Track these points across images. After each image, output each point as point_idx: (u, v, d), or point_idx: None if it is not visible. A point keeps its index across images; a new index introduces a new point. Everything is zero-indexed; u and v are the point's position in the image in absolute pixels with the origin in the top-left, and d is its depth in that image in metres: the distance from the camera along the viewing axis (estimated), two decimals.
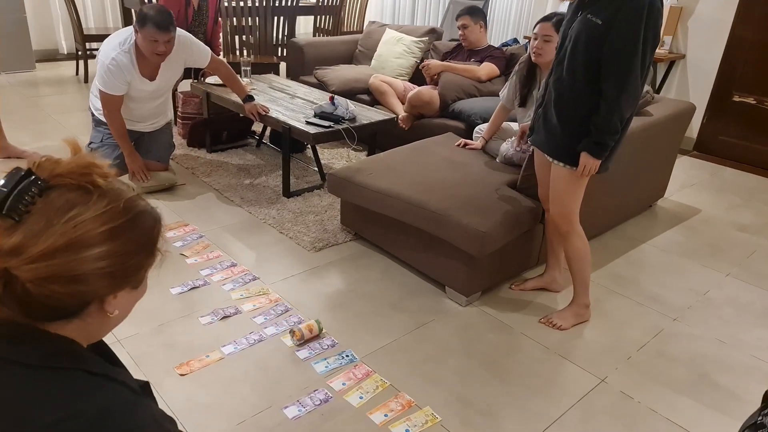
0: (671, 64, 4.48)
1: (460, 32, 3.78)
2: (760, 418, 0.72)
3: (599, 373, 2.05)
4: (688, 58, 4.42)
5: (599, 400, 1.92)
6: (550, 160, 2.12)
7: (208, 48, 3.17)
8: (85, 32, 4.92)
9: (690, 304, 2.51)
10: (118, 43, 2.84)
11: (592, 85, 1.92)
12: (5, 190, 0.62)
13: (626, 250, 2.93)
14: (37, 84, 5.02)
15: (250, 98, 3.20)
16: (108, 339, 1.94)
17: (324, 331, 2.14)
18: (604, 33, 1.84)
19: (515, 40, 4.71)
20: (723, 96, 4.30)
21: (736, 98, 4.26)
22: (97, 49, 5.26)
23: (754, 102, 4.18)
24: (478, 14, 3.80)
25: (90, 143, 3.12)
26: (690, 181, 3.91)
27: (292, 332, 2.06)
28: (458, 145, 3.04)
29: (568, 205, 2.14)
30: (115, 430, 0.63)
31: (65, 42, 5.74)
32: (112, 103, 2.87)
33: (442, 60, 3.87)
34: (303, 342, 2.06)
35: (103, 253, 0.65)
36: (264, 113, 3.17)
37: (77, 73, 5.33)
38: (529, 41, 5.06)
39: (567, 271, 2.33)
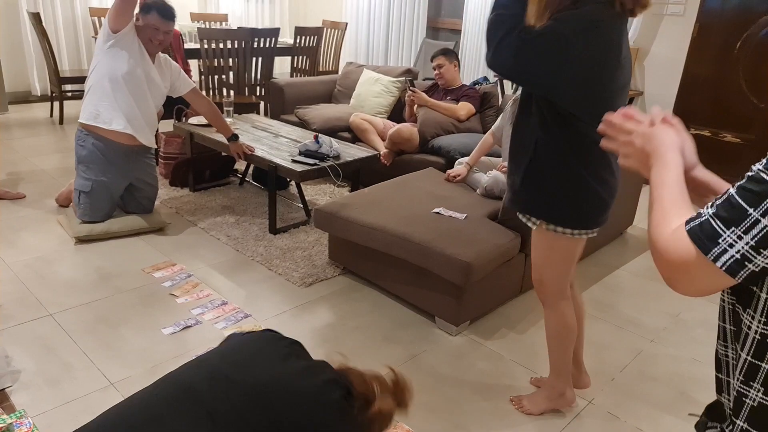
0: (630, 100, 4.75)
1: (435, 72, 3.95)
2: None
3: (586, 395, 2.13)
4: (646, 95, 4.70)
5: (589, 421, 2.00)
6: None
7: (193, 83, 3.25)
8: (60, 74, 4.94)
9: (665, 325, 2.63)
10: None
11: None
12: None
13: (602, 276, 3.06)
14: (11, 126, 4.98)
15: (235, 137, 3.27)
16: (100, 382, 1.95)
17: None
18: None
19: (485, 78, 4.93)
20: None
21: (693, 131, 4.52)
22: (71, 92, 5.29)
23: (710, 134, 4.45)
24: (451, 55, 3.99)
25: (79, 193, 3.02)
26: None
27: None
28: (447, 179, 3.16)
29: (551, 275, 1.82)
30: None
31: (38, 84, 5.73)
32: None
33: None
34: None
35: None
36: (249, 153, 3.23)
37: (51, 115, 5.32)
38: (498, 80, 5.30)
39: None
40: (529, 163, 1.68)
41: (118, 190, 3.10)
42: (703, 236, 0.71)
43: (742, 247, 0.68)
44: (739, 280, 0.70)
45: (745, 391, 0.78)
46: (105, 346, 2.18)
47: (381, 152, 3.72)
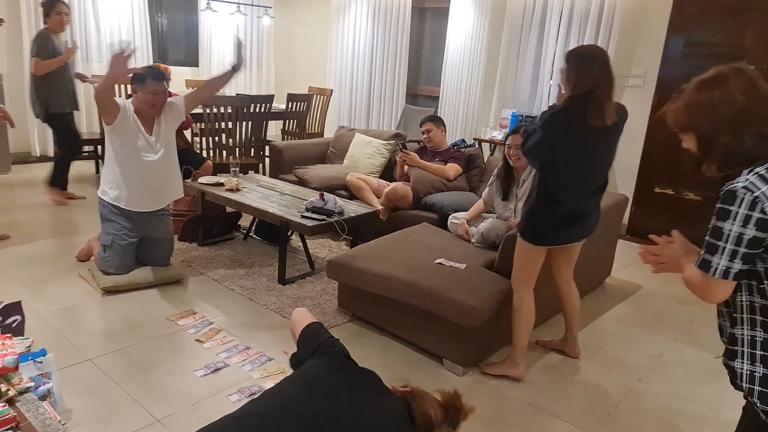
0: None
1: (424, 136, 4.31)
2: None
3: (587, 427, 2.35)
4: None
5: None
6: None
7: (178, 95, 3.44)
8: None
9: (649, 366, 2.90)
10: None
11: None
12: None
13: (588, 321, 3.34)
14: (14, 186, 5.13)
15: (235, 69, 3.37)
16: (146, 419, 2.10)
17: None
18: None
19: (463, 140, 5.34)
20: (646, 188, 5.02)
21: (657, 190, 4.97)
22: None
23: (672, 192, 4.90)
24: (438, 121, 4.38)
25: (103, 245, 3.24)
26: (629, 261, 4.45)
27: None
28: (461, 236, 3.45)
29: (517, 268, 2.60)
30: None
31: (38, 145, 5.91)
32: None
33: None
34: None
35: None
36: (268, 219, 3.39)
37: None
38: (477, 142, 5.72)
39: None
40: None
41: (134, 243, 3.28)
42: (704, 266, 1.31)
43: (723, 263, 1.28)
44: (731, 279, 1.29)
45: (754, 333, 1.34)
46: (145, 387, 2.32)
47: (378, 209, 4.00)
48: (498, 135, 5.79)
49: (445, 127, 4.44)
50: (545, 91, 5.61)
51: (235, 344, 2.72)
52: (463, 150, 4.42)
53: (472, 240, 3.35)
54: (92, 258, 3.41)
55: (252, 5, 7.53)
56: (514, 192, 3.23)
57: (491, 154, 5.81)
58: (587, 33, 5.17)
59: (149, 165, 3.20)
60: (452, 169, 4.19)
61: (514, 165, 3.16)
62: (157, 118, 3.24)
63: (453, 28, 6.21)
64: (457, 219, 3.53)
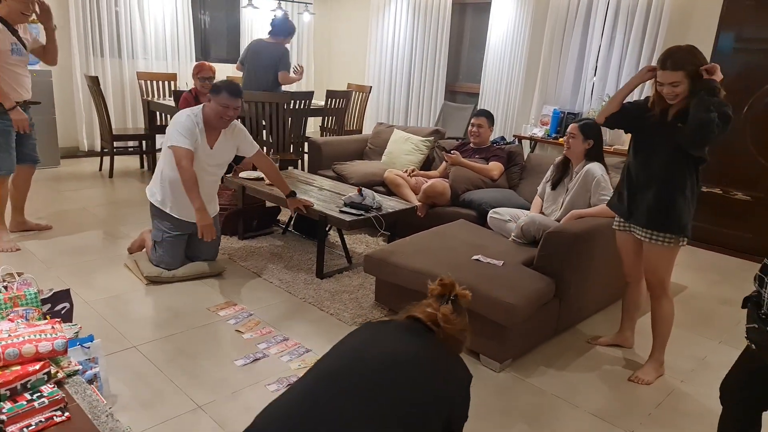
0: None
1: (473, 128, 4.26)
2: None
3: (627, 427, 2.30)
4: None
5: None
6: (647, 237, 2.50)
7: (257, 144, 3.52)
8: (114, 132, 5.34)
9: (692, 367, 2.81)
10: (189, 111, 3.22)
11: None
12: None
13: None
14: (62, 179, 5.33)
15: (293, 194, 3.52)
16: (189, 405, 2.15)
17: None
18: None
19: (503, 138, 5.28)
20: None
21: (704, 189, 4.79)
22: (120, 147, 5.69)
23: (721, 192, 4.73)
24: (491, 118, 4.34)
25: (154, 241, 3.33)
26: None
27: None
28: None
29: (666, 273, 2.57)
30: None
31: (86, 140, 6.13)
32: (182, 156, 3.08)
33: None
34: None
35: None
36: (307, 207, 3.46)
37: (100, 169, 5.67)
38: (516, 139, 5.66)
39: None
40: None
41: (184, 238, 3.36)
42: None
43: None
44: None
45: None
46: (187, 375, 2.39)
47: (415, 205, 4.00)
48: (539, 132, 5.70)
49: (493, 126, 4.40)
50: (588, 87, 5.50)
51: (274, 335, 2.77)
52: (503, 147, 4.37)
53: (512, 235, 3.32)
54: (144, 250, 3.52)
55: (293, 2, 7.62)
56: (565, 185, 3.25)
57: (531, 151, 5.72)
58: (634, 29, 5.04)
59: (201, 177, 3.22)
60: (496, 168, 4.13)
61: (567, 155, 3.23)
62: (222, 134, 3.28)
63: (494, 23, 6.14)
64: (497, 213, 3.50)
